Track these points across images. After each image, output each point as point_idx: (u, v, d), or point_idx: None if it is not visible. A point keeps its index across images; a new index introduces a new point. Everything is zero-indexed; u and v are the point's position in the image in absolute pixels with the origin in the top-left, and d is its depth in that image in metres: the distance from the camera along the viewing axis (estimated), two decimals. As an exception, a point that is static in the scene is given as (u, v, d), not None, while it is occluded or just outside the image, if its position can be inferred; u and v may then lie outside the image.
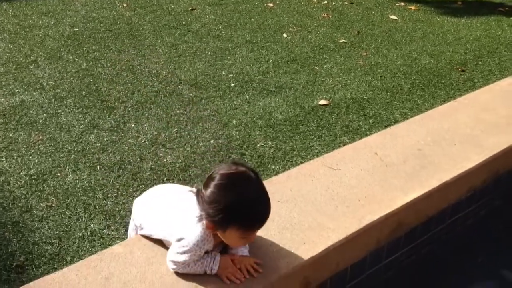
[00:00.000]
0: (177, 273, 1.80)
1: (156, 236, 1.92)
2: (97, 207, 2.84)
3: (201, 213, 1.73)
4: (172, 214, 1.86)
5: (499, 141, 2.72)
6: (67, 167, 3.18)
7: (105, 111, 3.86)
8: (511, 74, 4.17)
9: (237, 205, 1.67)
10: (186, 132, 3.61)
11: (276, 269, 1.85)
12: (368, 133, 3.55)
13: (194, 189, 1.86)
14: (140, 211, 2.00)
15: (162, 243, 1.94)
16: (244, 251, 1.86)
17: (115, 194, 2.94)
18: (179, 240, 1.78)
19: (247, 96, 4.15)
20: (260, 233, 2.00)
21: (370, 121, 3.81)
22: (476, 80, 4.54)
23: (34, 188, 2.97)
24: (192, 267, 1.78)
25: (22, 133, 3.55)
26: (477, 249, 2.65)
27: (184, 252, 1.76)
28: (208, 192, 1.69)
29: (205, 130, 3.64)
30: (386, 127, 3.45)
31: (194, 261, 1.77)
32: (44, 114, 3.80)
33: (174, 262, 1.79)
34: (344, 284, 2.18)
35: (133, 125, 3.68)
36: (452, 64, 4.88)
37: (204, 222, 1.73)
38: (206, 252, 1.80)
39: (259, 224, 1.74)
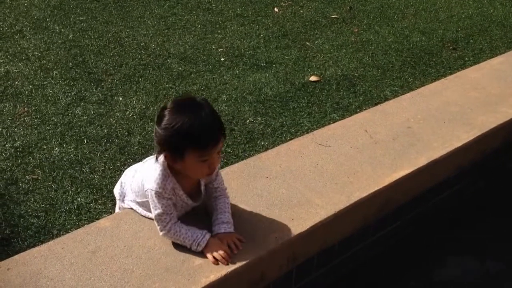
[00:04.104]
0: (165, 248, 1.80)
1: (134, 198, 1.95)
2: (84, 180, 2.81)
3: (158, 148, 1.75)
4: (139, 175, 1.92)
5: (488, 120, 2.73)
6: (54, 140, 3.13)
7: (92, 84, 3.79)
8: (502, 53, 4.15)
9: (189, 123, 1.68)
10: (175, 106, 3.56)
11: (265, 244, 1.85)
12: (358, 110, 3.53)
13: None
14: (126, 179, 2.05)
15: (149, 215, 1.93)
16: (227, 228, 1.85)
17: (102, 168, 2.91)
18: (146, 191, 1.80)
19: (237, 71, 4.10)
20: (249, 208, 2.00)
21: (361, 98, 3.79)
22: (467, 58, 4.53)
23: (19, 161, 2.93)
24: (178, 235, 1.78)
25: (7, 105, 3.49)
26: (462, 226, 2.69)
27: (154, 202, 1.76)
28: (162, 120, 1.71)
29: (194, 104, 3.60)
30: (376, 104, 3.43)
31: (179, 226, 1.77)
32: (30, 86, 3.73)
33: (157, 221, 1.79)
34: (331, 260, 2.19)
35: (120, 99, 3.62)
36: (443, 42, 4.85)
37: (162, 159, 1.75)
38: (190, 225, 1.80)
39: (213, 141, 1.72)
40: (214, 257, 1.76)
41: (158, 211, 1.77)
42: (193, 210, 1.92)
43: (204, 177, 1.84)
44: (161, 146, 1.74)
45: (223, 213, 1.87)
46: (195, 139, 1.68)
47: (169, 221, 1.78)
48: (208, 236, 1.79)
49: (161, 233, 1.80)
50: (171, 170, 1.78)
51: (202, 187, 1.90)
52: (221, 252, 1.76)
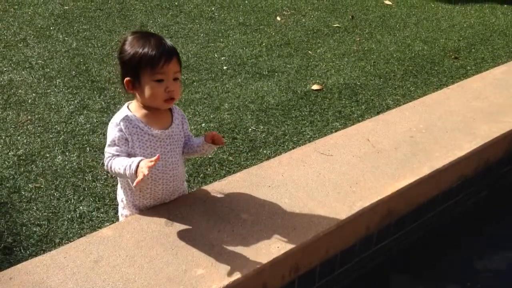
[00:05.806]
0: (167, 257, 1.80)
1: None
2: (86, 189, 2.81)
3: (121, 79, 1.89)
4: None
5: (490, 129, 2.73)
6: (56, 148, 3.14)
7: (95, 92, 3.80)
8: (504, 62, 4.17)
9: (142, 44, 1.82)
10: (177, 115, 3.57)
11: (267, 254, 1.85)
12: (360, 119, 3.54)
13: None
14: None
15: (152, 225, 1.93)
16: (199, 139, 2.00)
17: (105, 176, 2.91)
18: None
19: (239, 80, 4.11)
20: (251, 217, 2.00)
21: (363, 107, 3.80)
22: (469, 67, 4.54)
23: (22, 169, 2.94)
24: (115, 165, 1.82)
25: (10, 113, 3.50)
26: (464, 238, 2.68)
27: (107, 135, 1.87)
28: (122, 52, 1.88)
29: (197, 113, 3.61)
30: (378, 113, 3.43)
31: (117, 158, 1.82)
32: (33, 94, 3.74)
33: (104, 154, 1.88)
34: (333, 270, 2.19)
35: (123, 107, 3.63)
36: (445, 51, 4.86)
37: (129, 104, 1.91)
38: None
39: (165, 56, 1.80)
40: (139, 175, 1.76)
41: (107, 143, 1.87)
42: (169, 141, 1.94)
43: (163, 104, 1.88)
44: (122, 77, 1.88)
45: (195, 141, 2.04)
46: (146, 54, 1.80)
47: (111, 157, 1.85)
48: (137, 160, 1.78)
49: (105, 167, 1.88)
50: (141, 112, 1.90)
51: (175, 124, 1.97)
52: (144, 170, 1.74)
